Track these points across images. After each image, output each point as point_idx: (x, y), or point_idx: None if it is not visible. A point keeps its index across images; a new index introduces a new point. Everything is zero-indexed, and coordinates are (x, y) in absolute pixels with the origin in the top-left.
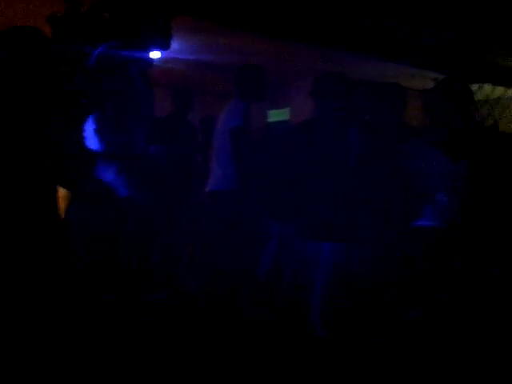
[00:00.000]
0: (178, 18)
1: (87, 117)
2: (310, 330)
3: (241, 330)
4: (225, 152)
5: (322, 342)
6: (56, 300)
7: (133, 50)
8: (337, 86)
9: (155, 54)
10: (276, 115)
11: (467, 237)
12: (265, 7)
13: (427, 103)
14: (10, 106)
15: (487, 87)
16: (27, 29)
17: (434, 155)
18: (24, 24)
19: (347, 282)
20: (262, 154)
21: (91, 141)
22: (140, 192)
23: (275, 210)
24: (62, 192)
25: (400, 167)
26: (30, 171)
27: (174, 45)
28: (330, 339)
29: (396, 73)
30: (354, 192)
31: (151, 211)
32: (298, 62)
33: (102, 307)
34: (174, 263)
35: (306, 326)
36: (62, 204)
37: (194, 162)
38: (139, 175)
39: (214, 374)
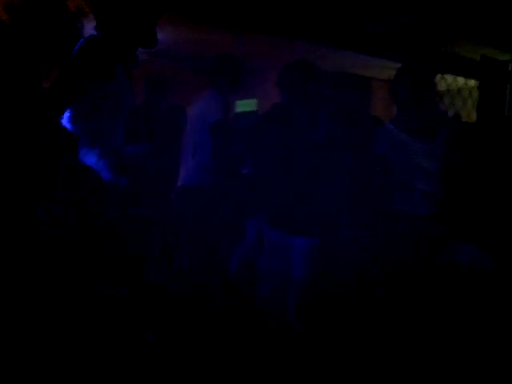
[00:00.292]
0: None
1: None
2: (283, 322)
3: (212, 324)
4: (202, 146)
5: (297, 333)
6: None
7: (117, 45)
8: (303, 75)
9: None
10: (244, 106)
11: (446, 224)
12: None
13: (393, 88)
14: None
15: (448, 78)
16: None
17: (404, 140)
18: None
19: (323, 275)
20: (238, 146)
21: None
22: (121, 176)
23: (250, 203)
24: None
25: (372, 155)
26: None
27: None
28: (305, 330)
29: (359, 63)
30: (325, 183)
31: (132, 196)
32: (265, 53)
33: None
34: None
35: (279, 318)
36: None
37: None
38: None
39: (183, 367)
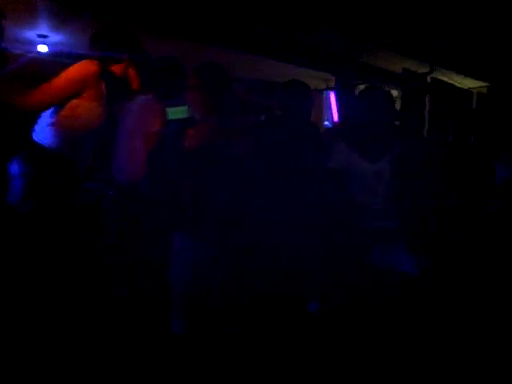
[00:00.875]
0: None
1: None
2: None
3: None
4: (136, 153)
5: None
6: None
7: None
8: (218, 77)
9: (42, 48)
10: (174, 113)
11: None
12: (159, 6)
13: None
14: None
15: None
16: None
17: (353, 160)
18: None
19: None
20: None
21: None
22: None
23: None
24: None
25: (314, 168)
26: None
27: (65, 38)
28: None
29: (284, 73)
30: (260, 194)
31: None
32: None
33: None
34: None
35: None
36: None
37: None
38: None
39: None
